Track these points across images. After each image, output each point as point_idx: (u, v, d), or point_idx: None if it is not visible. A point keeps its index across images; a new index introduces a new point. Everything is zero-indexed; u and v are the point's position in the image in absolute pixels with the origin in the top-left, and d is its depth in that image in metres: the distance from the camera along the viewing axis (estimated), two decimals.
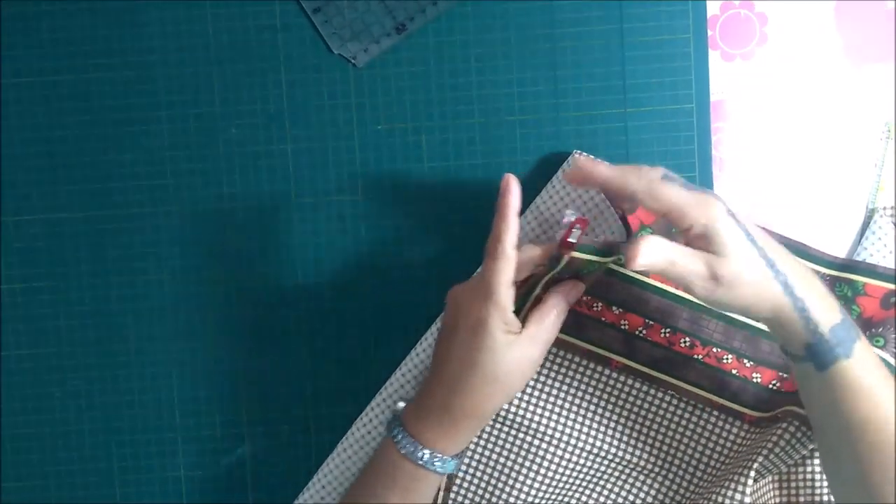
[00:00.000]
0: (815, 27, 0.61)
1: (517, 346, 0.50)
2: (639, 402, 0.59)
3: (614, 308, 0.58)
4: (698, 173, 0.61)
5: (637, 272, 0.58)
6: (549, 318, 0.52)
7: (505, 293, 0.50)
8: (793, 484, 0.59)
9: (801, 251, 0.58)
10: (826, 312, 0.47)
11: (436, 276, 0.62)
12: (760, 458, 0.55)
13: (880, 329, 0.57)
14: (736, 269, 0.47)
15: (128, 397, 0.63)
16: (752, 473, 0.55)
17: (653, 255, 0.47)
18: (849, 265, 0.58)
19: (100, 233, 0.63)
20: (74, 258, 0.63)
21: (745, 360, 0.58)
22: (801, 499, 0.59)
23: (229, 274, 0.62)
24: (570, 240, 0.50)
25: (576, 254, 0.50)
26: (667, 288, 0.58)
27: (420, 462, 0.51)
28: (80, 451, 0.64)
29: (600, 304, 0.59)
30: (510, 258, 0.49)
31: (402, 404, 0.54)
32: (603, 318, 0.59)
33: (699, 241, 0.47)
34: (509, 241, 0.50)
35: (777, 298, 0.47)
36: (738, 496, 0.55)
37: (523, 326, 0.51)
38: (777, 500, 0.59)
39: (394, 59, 0.62)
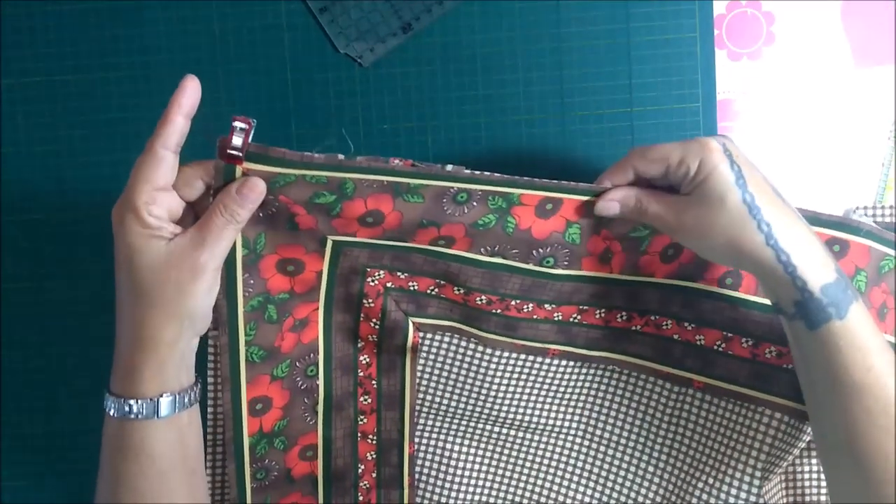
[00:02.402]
0: (822, 27, 0.61)
1: (164, 252, 0.44)
2: (580, 383, 0.58)
3: (546, 305, 0.56)
4: None
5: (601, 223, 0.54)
6: (213, 218, 0.46)
7: (142, 191, 0.44)
8: (798, 483, 0.60)
9: None
10: (817, 269, 0.45)
11: None
12: (762, 458, 0.55)
13: None
14: (706, 214, 0.46)
15: None
16: (759, 474, 0.55)
17: (622, 198, 0.50)
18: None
19: (103, 233, 0.63)
20: (77, 258, 0.63)
21: (686, 324, 0.55)
22: (808, 498, 0.59)
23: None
24: (233, 144, 0.45)
25: (249, 165, 0.46)
26: (601, 275, 0.55)
27: (132, 415, 0.45)
28: (84, 452, 0.64)
29: (531, 304, 0.56)
30: (158, 157, 0.44)
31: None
32: (535, 317, 0.56)
33: (693, 182, 0.47)
34: (163, 139, 0.44)
35: (758, 249, 0.46)
36: (742, 494, 0.55)
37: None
38: (785, 500, 0.59)
39: (400, 59, 0.61)
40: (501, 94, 0.61)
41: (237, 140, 0.45)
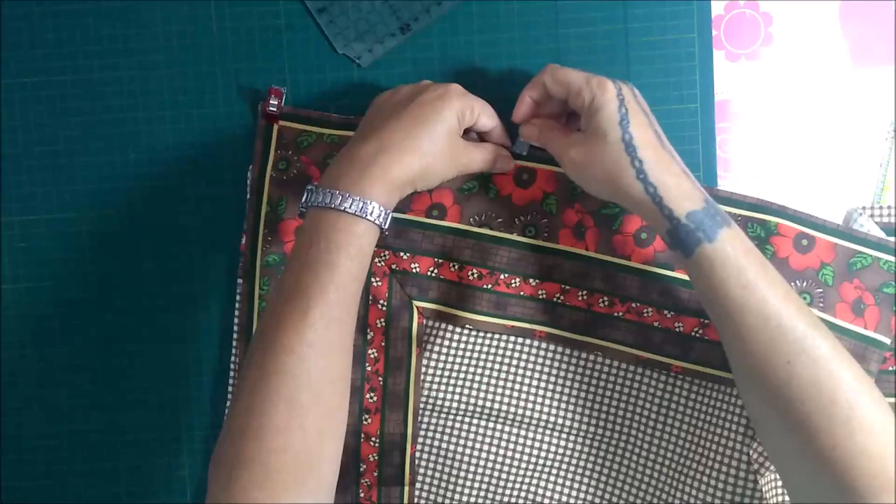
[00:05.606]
0: (820, 27, 0.61)
1: (461, 139, 0.55)
2: (570, 374, 0.60)
3: (531, 281, 0.60)
4: (703, 173, 0.61)
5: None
6: (484, 147, 0.57)
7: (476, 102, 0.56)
8: None
9: (711, 194, 0.59)
10: (682, 199, 0.49)
11: None
12: (747, 442, 0.56)
13: (804, 283, 0.58)
14: (590, 149, 0.52)
15: (132, 397, 0.63)
16: (745, 458, 0.56)
17: (527, 130, 0.57)
18: (761, 205, 0.59)
19: (103, 233, 0.63)
20: (77, 258, 0.63)
21: (666, 312, 0.59)
22: None
23: (232, 273, 0.63)
24: (271, 107, 0.59)
25: (284, 123, 0.60)
26: (578, 251, 0.59)
27: (359, 213, 0.50)
28: (84, 451, 0.64)
29: (518, 279, 0.59)
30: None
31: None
32: (522, 293, 0.60)
33: (585, 117, 0.52)
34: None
35: (630, 183, 0.50)
36: (731, 479, 0.56)
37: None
38: (779, 499, 0.60)
39: (398, 60, 0.62)
40: (500, 95, 0.61)
41: (273, 104, 0.60)
